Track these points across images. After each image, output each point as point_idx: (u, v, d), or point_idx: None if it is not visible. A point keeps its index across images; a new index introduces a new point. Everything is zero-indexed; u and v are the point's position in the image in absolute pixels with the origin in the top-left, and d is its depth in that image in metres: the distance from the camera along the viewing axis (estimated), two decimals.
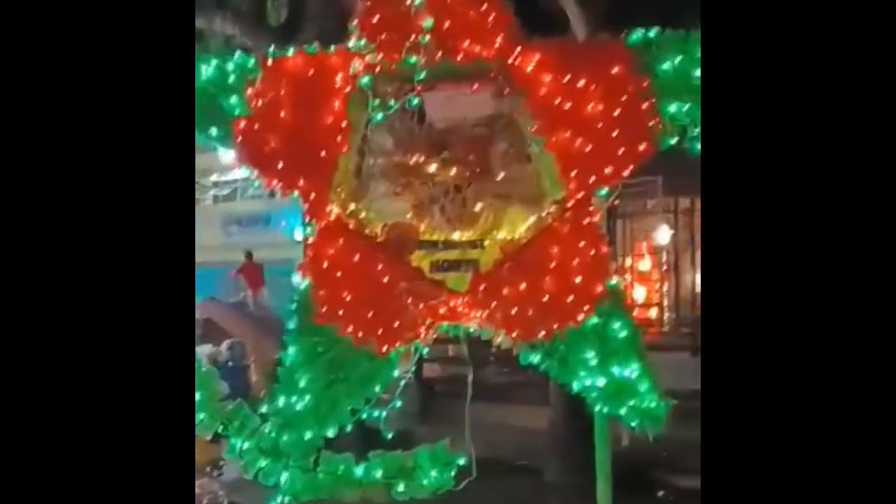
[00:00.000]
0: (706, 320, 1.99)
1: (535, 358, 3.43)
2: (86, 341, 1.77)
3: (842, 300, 1.78)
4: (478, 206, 3.47)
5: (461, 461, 3.49)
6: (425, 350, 3.51)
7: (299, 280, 3.38)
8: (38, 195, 1.76)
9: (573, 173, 3.33)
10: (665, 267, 14.50)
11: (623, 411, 3.39)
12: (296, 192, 3.37)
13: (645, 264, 14.77)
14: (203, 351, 9.46)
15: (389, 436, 3.54)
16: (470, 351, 3.69)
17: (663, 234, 13.97)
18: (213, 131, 3.33)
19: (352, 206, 3.43)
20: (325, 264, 3.36)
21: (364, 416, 3.45)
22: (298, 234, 15.12)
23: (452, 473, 3.48)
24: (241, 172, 19.00)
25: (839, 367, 1.76)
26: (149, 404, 1.80)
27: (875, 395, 1.74)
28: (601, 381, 3.37)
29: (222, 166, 18.63)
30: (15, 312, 1.71)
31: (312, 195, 3.36)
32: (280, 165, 3.32)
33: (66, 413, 1.74)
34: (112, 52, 1.86)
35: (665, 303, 14.58)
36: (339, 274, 3.36)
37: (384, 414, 3.49)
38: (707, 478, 1.87)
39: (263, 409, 3.45)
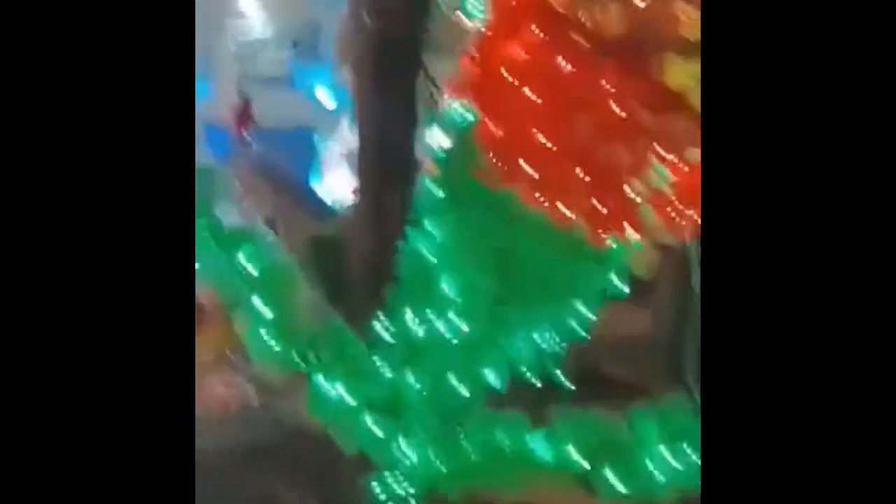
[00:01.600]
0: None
1: None
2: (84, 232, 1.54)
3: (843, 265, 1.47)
4: None
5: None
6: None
7: (458, 107, 1.83)
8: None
9: None
10: None
11: None
12: None
13: None
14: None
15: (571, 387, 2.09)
16: None
17: None
18: None
19: None
20: (509, 77, 1.79)
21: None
22: (324, 97, 13.54)
23: (696, 458, 2.00)
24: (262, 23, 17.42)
25: (842, 320, 1.44)
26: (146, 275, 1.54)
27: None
28: None
29: (241, 13, 17.03)
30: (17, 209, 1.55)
31: None
32: None
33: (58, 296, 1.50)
34: None
35: None
36: (531, 96, 1.80)
37: (562, 346, 2.04)
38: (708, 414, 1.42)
39: (379, 327, 1.97)
